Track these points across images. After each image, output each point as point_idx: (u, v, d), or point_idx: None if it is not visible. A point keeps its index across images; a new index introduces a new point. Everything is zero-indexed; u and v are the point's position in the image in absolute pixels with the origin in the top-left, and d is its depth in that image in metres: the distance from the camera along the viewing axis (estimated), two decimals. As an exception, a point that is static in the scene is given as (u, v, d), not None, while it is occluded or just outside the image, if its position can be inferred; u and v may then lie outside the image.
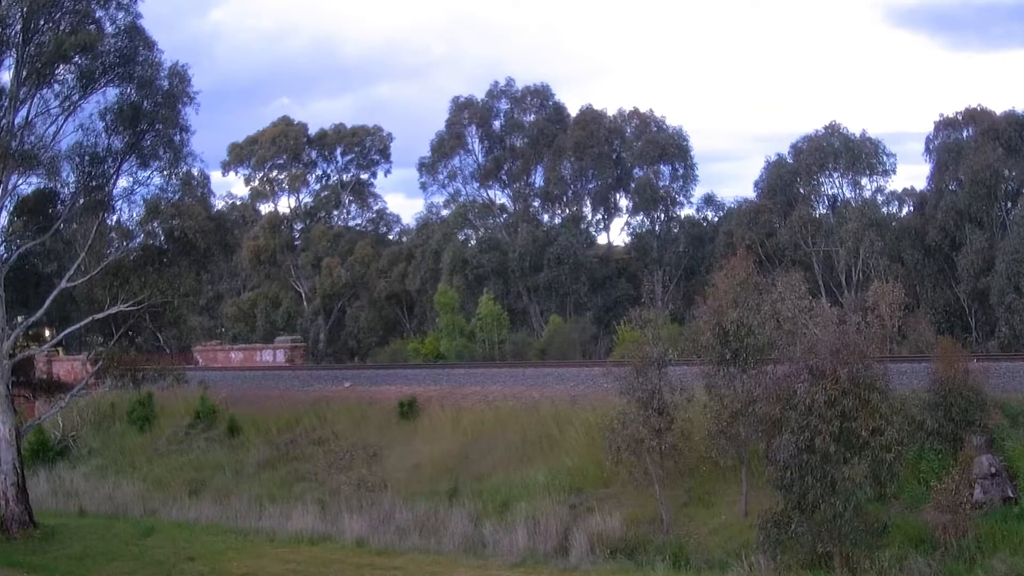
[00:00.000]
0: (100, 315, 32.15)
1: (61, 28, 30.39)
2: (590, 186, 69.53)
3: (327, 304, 73.47)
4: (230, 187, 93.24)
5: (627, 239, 71.01)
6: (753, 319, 26.18)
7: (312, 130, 79.26)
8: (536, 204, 71.23)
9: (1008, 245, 48.65)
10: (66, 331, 33.04)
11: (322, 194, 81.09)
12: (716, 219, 68.78)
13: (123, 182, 33.55)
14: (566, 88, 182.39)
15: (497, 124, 69.52)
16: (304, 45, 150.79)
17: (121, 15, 31.34)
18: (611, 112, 70.13)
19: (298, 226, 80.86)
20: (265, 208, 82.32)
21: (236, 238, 60.47)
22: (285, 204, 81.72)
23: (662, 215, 69.19)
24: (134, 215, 33.94)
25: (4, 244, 32.59)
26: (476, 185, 70.59)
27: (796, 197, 60.31)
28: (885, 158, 59.66)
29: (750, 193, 64.65)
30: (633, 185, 68.63)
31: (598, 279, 64.35)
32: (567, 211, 70.15)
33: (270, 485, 34.70)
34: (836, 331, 26.53)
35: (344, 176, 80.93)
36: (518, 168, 69.76)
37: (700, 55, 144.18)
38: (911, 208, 61.57)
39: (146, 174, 33.19)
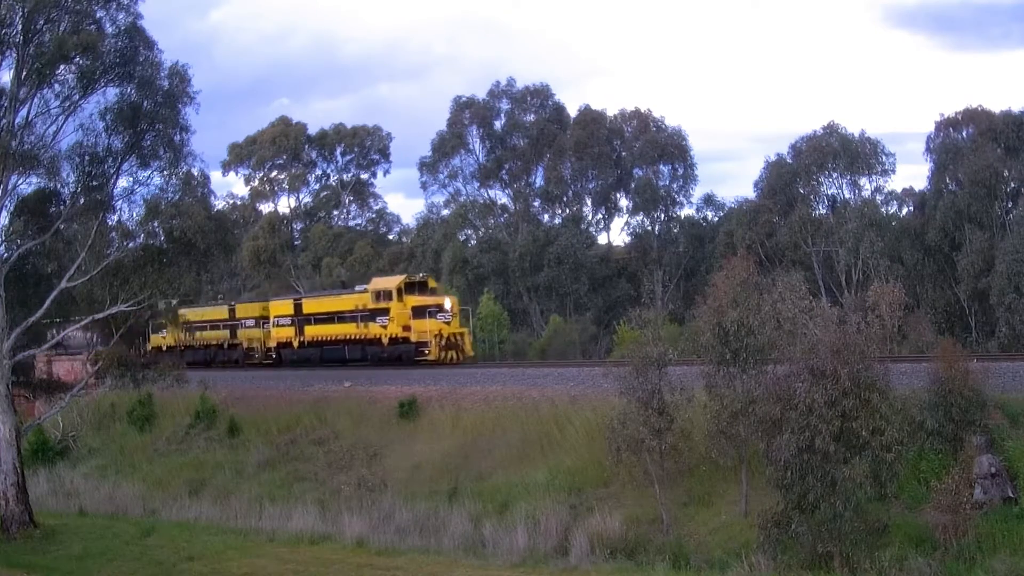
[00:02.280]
0: (100, 315, 32.17)
1: (61, 28, 30.41)
2: (590, 186, 69.66)
3: (327, 304, 73.42)
4: (230, 187, 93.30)
5: (627, 239, 71.25)
6: (753, 319, 26.18)
7: (312, 130, 79.56)
8: (536, 204, 71.35)
9: (1008, 245, 48.70)
10: (66, 331, 33.04)
11: (322, 194, 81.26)
12: (716, 219, 68.95)
13: (123, 182, 33.63)
14: (566, 88, 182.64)
15: (498, 124, 69.64)
16: (304, 45, 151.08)
17: (122, 15, 31.39)
18: (611, 112, 70.43)
19: (298, 226, 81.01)
20: (265, 208, 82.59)
21: (236, 238, 60.67)
22: (285, 204, 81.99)
23: (662, 215, 69.34)
24: (134, 215, 34.00)
25: (4, 244, 32.61)
26: (476, 185, 70.79)
27: (796, 197, 60.38)
28: (884, 158, 59.87)
29: (750, 193, 64.86)
30: (633, 185, 68.76)
31: (598, 279, 64.40)
32: (567, 211, 70.28)
33: (270, 485, 34.70)
34: (836, 331, 26.49)
35: (344, 176, 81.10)
36: (518, 168, 69.86)
37: (700, 55, 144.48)
38: (911, 208, 61.72)
39: (146, 174, 33.26)
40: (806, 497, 22.13)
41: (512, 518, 27.24)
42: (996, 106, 57.97)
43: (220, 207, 61.61)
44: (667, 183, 68.70)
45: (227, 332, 51.54)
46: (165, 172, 33.12)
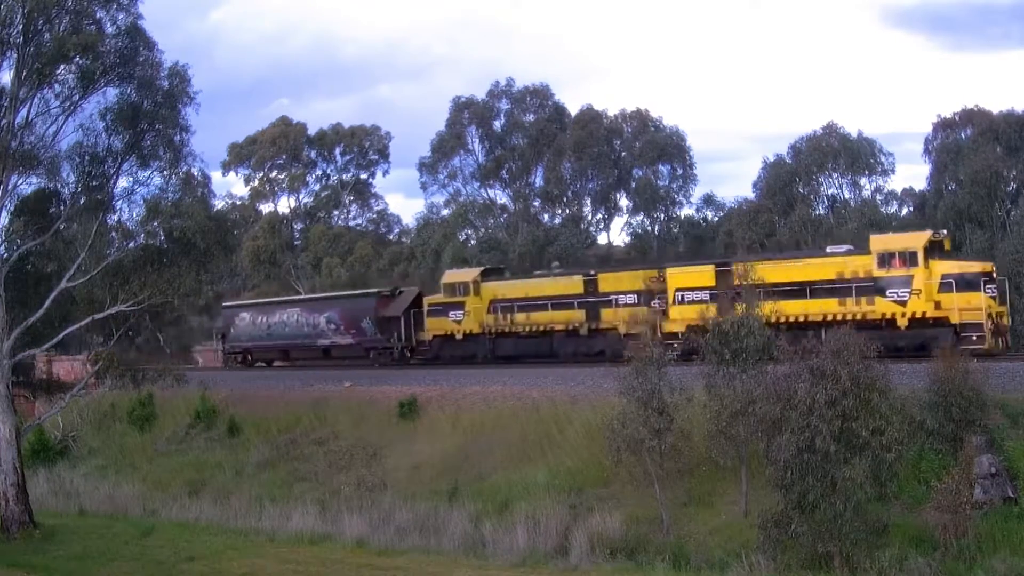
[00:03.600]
0: (100, 315, 32.19)
1: (61, 28, 30.43)
2: (590, 186, 69.74)
3: (327, 304, 73.48)
4: (230, 187, 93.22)
5: (627, 239, 71.30)
6: (753, 319, 26.21)
7: (311, 130, 79.60)
8: (536, 204, 71.39)
9: (1008, 245, 48.69)
10: (66, 331, 33.09)
11: (322, 194, 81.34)
12: (716, 219, 69.00)
13: (123, 182, 33.73)
14: (566, 88, 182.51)
15: (497, 124, 69.72)
16: (304, 45, 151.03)
17: (122, 15, 31.44)
18: (611, 112, 70.46)
19: (298, 226, 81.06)
20: (265, 208, 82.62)
21: (236, 238, 60.71)
22: (285, 204, 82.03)
23: (662, 215, 69.43)
24: (134, 215, 34.06)
25: (4, 244, 32.64)
26: (476, 185, 70.89)
27: (795, 197, 60.42)
28: (884, 158, 59.95)
29: (750, 193, 64.89)
30: (633, 185, 68.85)
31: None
32: (567, 211, 70.34)
33: (270, 485, 34.71)
34: (837, 331, 26.47)
35: (344, 176, 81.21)
36: (518, 168, 69.93)
37: (699, 55, 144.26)
38: (911, 208, 61.70)
39: (146, 174, 33.35)
40: (806, 497, 22.13)
41: (512, 518, 27.23)
42: (995, 106, 58.07)
43: (220, 207, 61.64)
44: (667, 183, 68.88)
45: (582, 313, 39.28)
46: (165, 172, 33.22)
